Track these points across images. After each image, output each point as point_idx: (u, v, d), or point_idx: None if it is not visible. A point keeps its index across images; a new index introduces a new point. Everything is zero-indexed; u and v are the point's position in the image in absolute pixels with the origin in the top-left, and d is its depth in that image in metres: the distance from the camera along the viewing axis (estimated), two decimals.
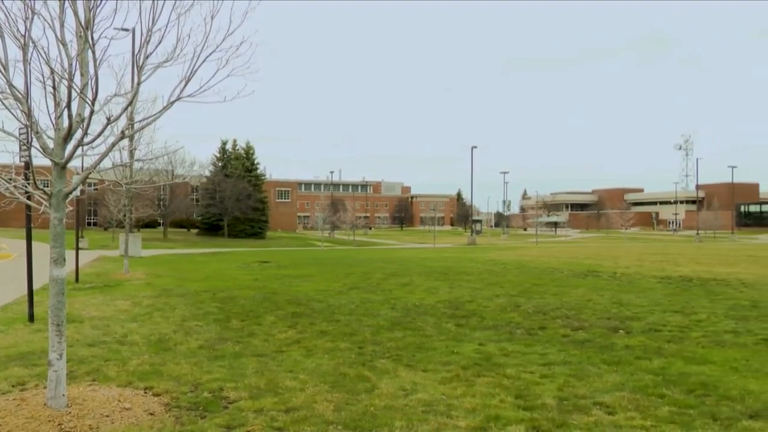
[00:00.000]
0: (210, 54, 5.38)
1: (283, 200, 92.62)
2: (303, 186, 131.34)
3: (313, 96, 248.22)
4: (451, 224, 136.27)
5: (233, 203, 55.59)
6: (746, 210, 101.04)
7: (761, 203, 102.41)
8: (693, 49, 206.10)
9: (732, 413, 5.30)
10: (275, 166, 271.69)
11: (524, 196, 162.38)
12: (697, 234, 70.89)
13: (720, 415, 5.26)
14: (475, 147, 62.43)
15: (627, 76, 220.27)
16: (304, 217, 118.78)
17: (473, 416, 5.29)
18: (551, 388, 6.15)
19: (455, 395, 5.93)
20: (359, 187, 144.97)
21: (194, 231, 63.92)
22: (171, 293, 14.41)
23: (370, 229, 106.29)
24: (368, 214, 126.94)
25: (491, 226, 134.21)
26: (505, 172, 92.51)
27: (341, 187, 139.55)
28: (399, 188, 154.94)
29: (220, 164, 62.40)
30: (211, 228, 59.20)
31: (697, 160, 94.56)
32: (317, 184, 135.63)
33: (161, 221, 60.25)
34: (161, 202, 54.80)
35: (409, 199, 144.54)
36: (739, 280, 17.11)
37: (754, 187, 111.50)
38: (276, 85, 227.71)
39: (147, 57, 5.33)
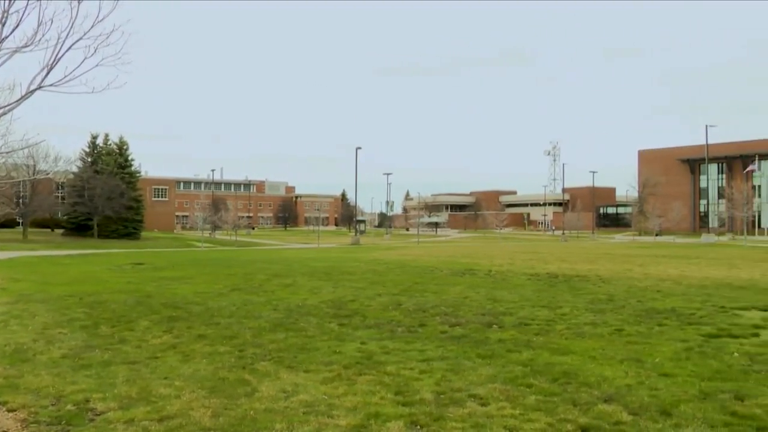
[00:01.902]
0: (77, 41, 5.02)
1: (160, 199, 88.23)
2: (182, 184, 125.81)
3: (195, 93, 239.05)
4: (336, 224, 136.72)
5: (104, 202, 52.08)
6: (605, 212, 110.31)
7: (617, 206, 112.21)
8: (555, 63, 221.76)
9: (590, 398, 5.76)
10: (152, 163, 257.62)
11: (407, 197, 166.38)
12: (563, 234, 76.32)
13: (580, 400, 5.71)
14: (360, 148, 63.08)
15: (503, 84, 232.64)
16: (183, 216, 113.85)
17: (354, 415, 5.35)
18: (429, 383, 6.36)
19: (337, 395, 5.96)
20: (242, 186, 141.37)
21: (59, 231, 59.18)
22: (30, 299, 13.25)
23: (253, 229, 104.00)
24: (251, 214, 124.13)
25: (375, 227, 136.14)
26: (388, 174, 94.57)
27: (223, 186, 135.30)
28: (283, 188, 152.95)
29: (89, 160, 58.21)
30: (78, 228, 55.08)
31: (563, 165, 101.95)
32: (197, 183, 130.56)
33: (20, 221, 55.24)
34: (20, 200, 50.18)
35: (294, 199, 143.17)
36: (598, 276, 18.65)
37: (611, 191, 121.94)
38: (155, 79, 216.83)
39: (2, 40, 4.87)
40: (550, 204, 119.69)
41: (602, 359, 7.37)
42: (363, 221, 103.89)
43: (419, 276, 19.01)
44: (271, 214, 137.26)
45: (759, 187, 77.95)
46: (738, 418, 5.19)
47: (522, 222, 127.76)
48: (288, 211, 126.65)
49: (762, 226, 76.00)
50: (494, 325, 9.83)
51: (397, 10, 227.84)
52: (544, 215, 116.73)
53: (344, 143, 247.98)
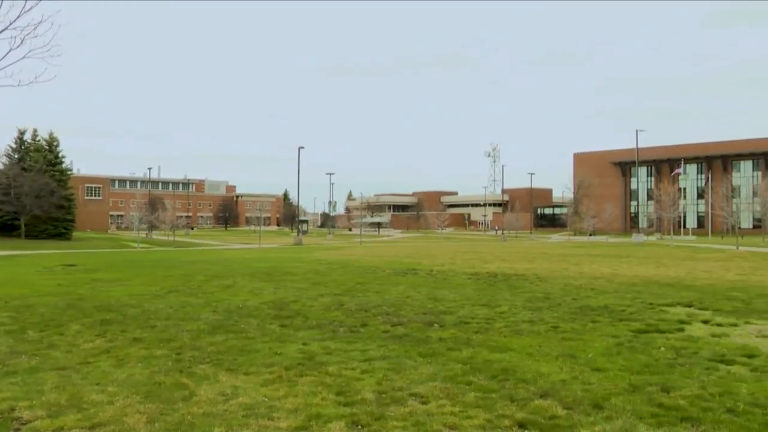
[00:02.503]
0: (1, 32, 4.78)
1: (93, 198, 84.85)
2: (117, 183, 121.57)
3: (132, 88, 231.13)
4: (278, 224, 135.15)
5: (32, 200, 49.67)
6: (542, 212, 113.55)
7: (554, 206, 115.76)
8: (498, 67, 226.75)
9: (527, 394, 5.92)
10: (86, 161, 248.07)
11: (349, 197, 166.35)
12: (502, 234, 78.05)
13: (517, 396, 5.85)
14: (302, 148, 62.66)
15: (445, 87, 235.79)
16: (118, 216, 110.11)
17: (295, 416, 5.31)
18: (371, 382, 6.38)
19: (277, 396, 5.90)
20: (180, 185, 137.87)
21: None
22: None
23: (192, 229, 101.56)
24: (190, 214, 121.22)
25: (318, 227, 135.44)
26: (331, 174, 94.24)
27: (160, 185, 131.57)
28: (224, 187, 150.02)
29: (16, 156, 55.44)
30: (4, 228, 52.31)
31: (503, 166, 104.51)
32: (133, 181, 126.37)
33: None
34: None
35: (235, 199, 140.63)
36: (535, 275, 19.17)
37: (548, 192, 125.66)
38: (91, 73, 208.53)
39: None
40: (490, 204, 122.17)
41: (539, 356, 7.58)
42: (305, 221, 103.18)
43: (362, 276, 19.03)
44: (211, 214, 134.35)
45: (684, 189, 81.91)
46: (664, 409, 5.44)
47: (463, 222, 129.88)
48: (228, 211, 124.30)
49: (687, 226, 79.97)
50: (435, 324, 9.95)
51: (341, 10, 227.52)
52: (484, 216, 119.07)
53: (287, 143, 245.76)
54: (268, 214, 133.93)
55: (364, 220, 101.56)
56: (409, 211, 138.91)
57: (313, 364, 7.19)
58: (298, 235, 64.44)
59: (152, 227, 67.71)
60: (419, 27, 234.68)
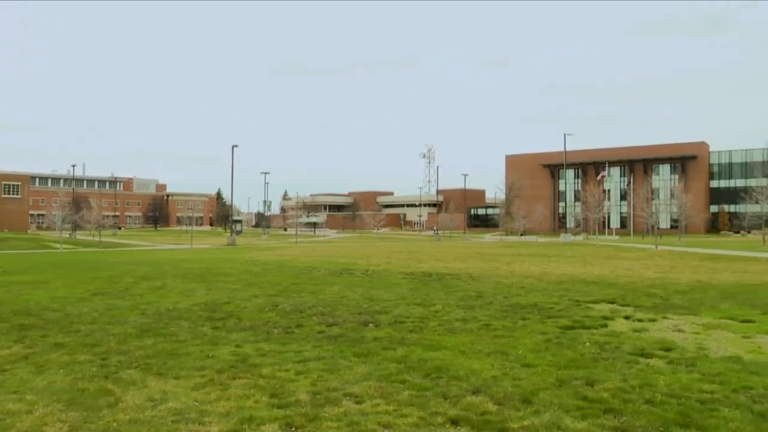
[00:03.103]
0: None
1: (11, 196, 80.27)
2: (38, 180, 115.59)
3: (56, 82, 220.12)
4: (211, 224, 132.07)
5: None
6: (475, 213, 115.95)
7: (487, 207, 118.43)
8: (433, 69, 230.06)
9: (459, 391, 6.03)
10: (3, 157, 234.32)
11: (285, 197, 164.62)
12: (437, 233, 79.19)
13: (450, 394, 5.96)
14: (236, 146, 61.32)
15: (381, 88, 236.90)
16: (39, 215, 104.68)
17: (227, 420, 5.21)
18: (305, 383, 6.34)
19: (209, 400, 5.77)
20: (107, 183, 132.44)
21: None
22: None
23: (120, 229, 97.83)
24: (118, 213, 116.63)
25: (252, 227, 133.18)
26: (266, 173, 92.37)
27: (86, 183, 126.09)
28: (153, 186, 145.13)
29: None
30: None
31: (437, 167, 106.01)
32: (56, 179, 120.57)
33: None
34: None
35: (165, 198, 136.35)
36: (469, 274, 19.56)
37: (481, 193, 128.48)
38: (10, 65, 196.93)
39: None
40: (425, 205, 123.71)
41: (471, 353, 7.74)
42: (239, 221, 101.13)
43: (297, 276, 18.87)
44: (140, 214, 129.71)
45: (609, 191, 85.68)
46: (588, 402, 5.67)
47: (398, 222, 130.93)
48: (159, 211, 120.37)
49: (611, 226, 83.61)
50: (370, 324, 9.98)
51: (278, 9, 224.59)
52: (420, 216, 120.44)
53: (220, 141, 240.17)
54: (201, 214, 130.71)
55: (300, 220, 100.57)
56: (345, 211, 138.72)
57: (247, 367, 7.08)
58: (231, 235, 63.14)
59: (76, 227, 64.72)
60: (354, 29, 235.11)
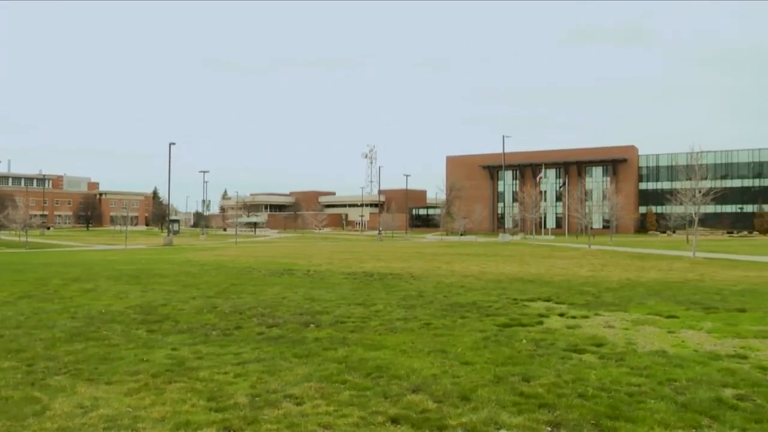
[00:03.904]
0: None
1: None
2: None
3: None
4: (147, 224, 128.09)
5: None
6: (417, 213, 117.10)
7: (428, 207, 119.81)
8: (375, 70, 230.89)
9: (400, 390, 6.08)
10: None
11: (224, 196, 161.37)
12: (379, 233, 79.51)
13: (390, 393, 5.99)
14: (173, 143, 59.74)
15: (321, 87, 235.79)
16: None
17: (162, 425, 5.06)
18: (244, 386, 6.24)
19: (143, 406, 5.59)
20: (35, 181, 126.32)
21: None
22: None
23: (48, 228, 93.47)
24: (46, 212, 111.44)
25: (190, 226, 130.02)
26: (204, 171, 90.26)
27: (11, 181, 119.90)
28: (85, 184, 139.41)
29: None
30: None
31: (379, 168, 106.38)
32: None
33: None
34: None
35: (98, 197, 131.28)
36: (410, 274, 19.73)
37: (423, 194, 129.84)
38: None
39: None
40: (367, 205, 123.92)
41: (412, 352, 7.81)
42: (177, 221, 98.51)
43: (236, 277, 18.55)
44: (70, 213, 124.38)
45: (545, 192, 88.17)
46: (524, 397, 5.82)
47: (341, 222, 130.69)
48: (91, 210, 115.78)
49: (547, 226, 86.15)
50: (311, 324, 9.93)
51: (218, 5, 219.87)
52: (362, 216, 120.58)
53: (157, 138, 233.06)
54: (136, 213, 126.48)
55: (240, 219, 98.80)
56: (287, 211, 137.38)
57: (183, 370, 6.90)
58: (168, 235, 61.46)
59: (1, 227, 61.41)
60: (297, 26, 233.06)
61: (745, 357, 7.46)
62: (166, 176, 58.88)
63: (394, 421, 5.21)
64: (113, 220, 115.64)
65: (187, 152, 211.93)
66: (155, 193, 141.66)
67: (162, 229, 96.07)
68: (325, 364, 7.17)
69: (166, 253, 36.15)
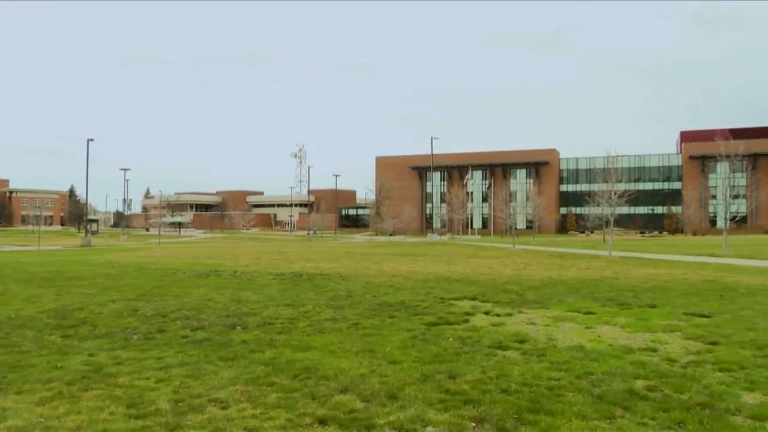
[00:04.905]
0: None
1: None
2: None
3: None
4: (62, 224, 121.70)
5: None
6: (346, 213, 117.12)
7: (357, 207, 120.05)
8: (303, 70, 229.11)
9: (327, 391, 6.06)
10: None
11: (147, 195, 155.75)
12: (308, 234, 78.94)
13: (318, 394, 5.96)
14: (92, 140, 57.17)
15: (249, 86, 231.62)
16: None
17: None
18: (167, 391, 6.04)
19: (57, 415, 5.31)
20: None
21: None
22: None
23: None
24: None
25: (110, 226, 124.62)
26: (125, 169, 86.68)
27: None
28: None
29: None
30: None
31: (309, 167, 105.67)
32: None
33: None
34: None
35: (7, 195, 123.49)
36: (339, 274, 19.70)
37: (352, 194, 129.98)
38: None
39: None
40: (296, 205, 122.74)
41: (340, 352, 7.80)
42: (96, 221, 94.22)
43: (159, 279, 17.93)
44: None
45: (472, 193, 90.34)
46: (450, 394, 5.94)
47: (269, 222, 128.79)
48: (0, 209, 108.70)
49: (474, 226, 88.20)
50: (238, 327, 9.74)
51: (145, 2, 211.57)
52: (291, 216, 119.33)
53: (74, 134, 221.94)
54: (51, 213, 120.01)
55: (164, 219, 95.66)
56: (213, 211, 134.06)
57: (101, 376, 6.61)
58: (86, 235, 58.66)
59: None
60: (225, 23, 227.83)
61: (654, 350, 7.91)
62: (84, 174, 56.13)
63: (322, 422, 5.19)
64: (25, 220, 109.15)
65: (107, 150, 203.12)
66: (72, 192, 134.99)
67: (79, 229, 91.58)
68: (252, 366, 7.06)
69: (84, 255, 34.48)
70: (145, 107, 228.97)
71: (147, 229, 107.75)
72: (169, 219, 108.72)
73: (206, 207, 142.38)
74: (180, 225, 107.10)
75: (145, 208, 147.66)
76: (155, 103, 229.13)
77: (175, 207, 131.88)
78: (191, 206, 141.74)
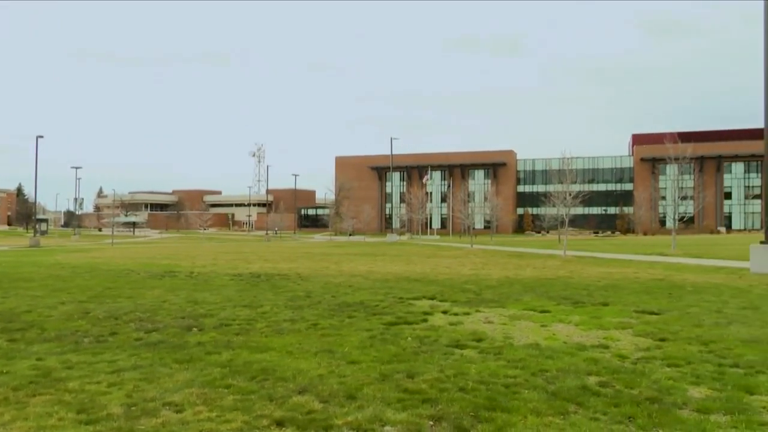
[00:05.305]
0: None
1: None
2: None
3: None
4: (9, 224, 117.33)
5: None
6: (306, 213, 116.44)
7: (317, 207, 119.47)
8: (261, 69, 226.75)
9: (285, 392, 6.01)
10: None
11: (100, 195, 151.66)
12: (267, 234, 78.13)
13: (276, 395, 5.91)
14: (41, 137, 55.20)
15: (206, 85, 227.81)
16: None
17: None
18: (119, 395, 5.89)
19: (1, 423, 5.12)
20: None
21: None
22: None
23: None
24: None
25: (61, 226, 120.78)
26: (77, 168, 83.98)
27: None
28: None
29: None
30: None
31: (267, 167, 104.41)
32: None
33: None
34: None
35: None
36: (298, 274, 19.56)
37: (312, 194, 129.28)
38: None
39: None
40: (254, 205, 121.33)
41: (299, 353, 7.75)
42: (45, 220, 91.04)
43: (112, 280, 17.47)
44: None
45: (431, 193, 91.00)
46: (409, 393, 5.97)
47: (227, 222, 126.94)
48: None
49: (433, 226, 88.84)
50: (194, 328, 9.57)
51: None
52: (249, 216, 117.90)
53: (22, 131, 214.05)
54: None
55: (117, 219, 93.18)
56: (169, 211, 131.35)
57: (50, 381, 6.40)
58: (35, 235, 56.70)
59: None
60: (182, 21, 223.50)
61: (606, 347, 8.12)
62: (33, 172, 54.21)
63: (279, 423, 5.15)
64: None
65: (58, 148, 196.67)
66: (20, 191, 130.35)
67: (27, 229, 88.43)
68: (208, 368, 6.95)
69: (32, 255, 33.33)
70: (98, 105, 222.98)
71: (99, 229, 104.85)
72: (122, 219, 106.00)
73: (162, 206, 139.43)
74: (134, 225, 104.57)
75: (97, 208, 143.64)
76: (109, 101, 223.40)
77: (129, 206, 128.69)
78: (146, 206, 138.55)
